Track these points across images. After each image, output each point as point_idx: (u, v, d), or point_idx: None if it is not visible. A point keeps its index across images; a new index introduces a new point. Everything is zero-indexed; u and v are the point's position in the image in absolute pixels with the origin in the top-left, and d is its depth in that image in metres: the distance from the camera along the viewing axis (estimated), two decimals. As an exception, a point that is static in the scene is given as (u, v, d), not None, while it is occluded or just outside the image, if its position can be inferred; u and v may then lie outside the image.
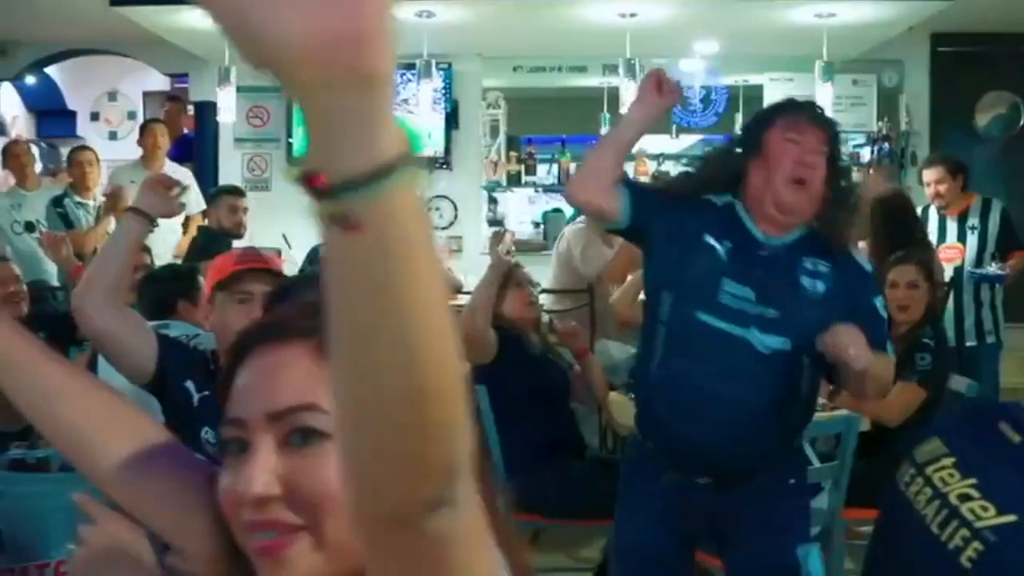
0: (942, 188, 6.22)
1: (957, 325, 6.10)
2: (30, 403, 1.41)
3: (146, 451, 1.37)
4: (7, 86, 9.83)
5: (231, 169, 8.84)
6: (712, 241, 2.79)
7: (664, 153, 9.29)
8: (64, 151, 10.60)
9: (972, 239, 6.28)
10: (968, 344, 6.15)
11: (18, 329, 1.43)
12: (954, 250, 6.27)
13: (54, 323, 4.29)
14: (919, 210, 6.29)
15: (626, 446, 3.39)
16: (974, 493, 1.78)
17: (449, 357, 0.74)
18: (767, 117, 2.91)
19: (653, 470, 2.92)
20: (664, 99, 2.92)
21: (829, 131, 2.84)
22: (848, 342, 2.58)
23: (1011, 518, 1.73)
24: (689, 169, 3.19)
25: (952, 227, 6.35)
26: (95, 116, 11.66)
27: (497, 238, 4.76)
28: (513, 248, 4.58)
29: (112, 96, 11.58)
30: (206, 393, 2.86)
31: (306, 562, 1.05)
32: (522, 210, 9.42)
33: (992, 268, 6.17)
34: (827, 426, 3.76)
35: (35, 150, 8.56)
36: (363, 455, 0.77)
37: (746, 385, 2.76)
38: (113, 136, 11.48)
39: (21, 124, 10.97)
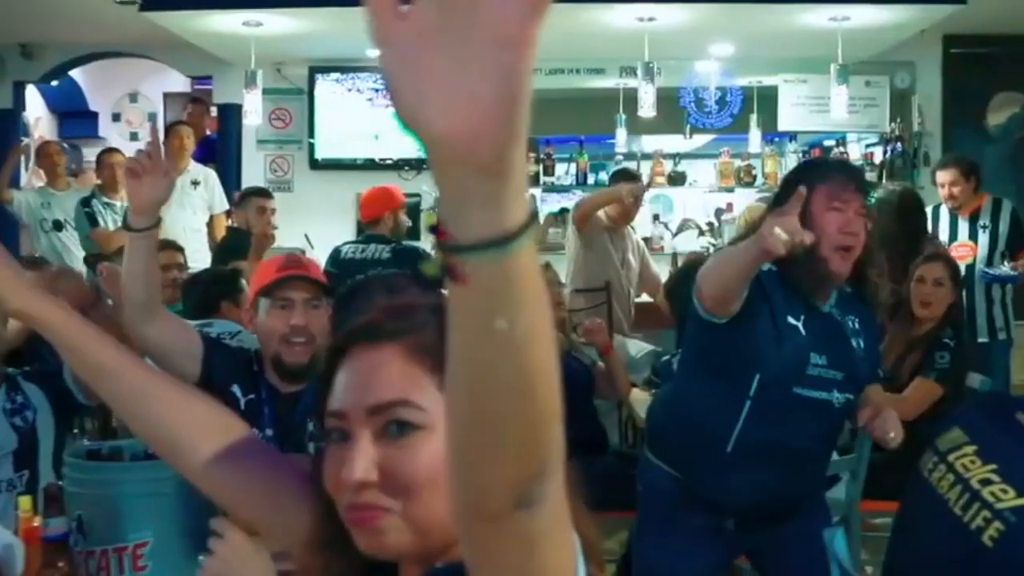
0: (956, 190, 6.31)
1: (969, 322, 6.14)
2: (123, 406, 1.56)
3: (233, 446, 1.51)
4: (31, 87, 9.96)
5: (254, 170, 8.95)
6: (792, 320, 2.87)
7: (679, 152, 9.37)
8: (86, 151, 10.80)
9: (983, 238, 6.36)
10: (980, 340, 6.22)
11: (110, 340, 1.57)
12: (965, 248, 6.34)
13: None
14: (930, 209, 6.40)
15: (651, 479, 3.38)
16: (995, 478, 1.94)
17: (551, 391, 0.85)
18: (806, 179, 2.88)
19: (703, 511, 3.01)
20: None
21: (866, 192, 2.95)
22: (891, 428, 2.90)
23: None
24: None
25: (963, 226, 6.43)
26: (116, 117, 11.79)
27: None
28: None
29: (133, 97, 11.72)
30: (251, 397, 2.99)
31: (396, 536, 1.20)
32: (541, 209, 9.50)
33: (1004, 268, 6.26)
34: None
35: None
36: (470, 462, 0.89)
37: (823, 439, 3.01)
38: (134, 137, 11.49)
39: (44, 125, 11.10)
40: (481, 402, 0.84)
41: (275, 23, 7.27)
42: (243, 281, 4.63)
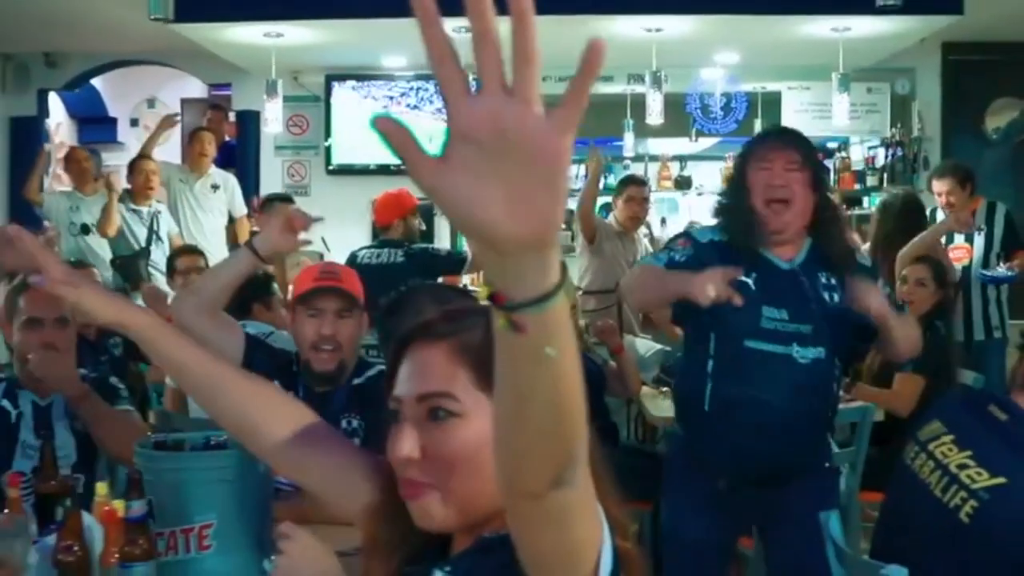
0: (952, 198, 6.42)
1: (966, 321, 6.37)
2: (203, 396, 1.79)
3: (303, 429, 1.74)
4: (52, 94, 10.16)
5: (272, 175, 9.17)
6: (742, 278, 3.01)
7: (683, 155, 9.58)
8: (105, 156, 11.01)
9: (979, 240, 6.50)
10: (977, 339, 6.41)
11: (188, 339, 1.81)
12: (962, 250, 6.49)
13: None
14: (928, 212, 6.58)
15: (669, 444, 3.65)
16: (970, 462, 2.20)
17: (581, 398, 1.09)
18: (742, 154, 3.22)
19: (702, 472, 3.22)
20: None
21: (801, 149, 3.12)
22: (872, 298, 2.98)
23: (1001, 480, 2.15)
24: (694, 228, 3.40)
25: None
26: (134, 122, 11.91)
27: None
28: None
29: (151, 103, 11.84)
30: (291, 394, 3.19)
31: (439, 511, 1.44)
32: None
33: (1001, 270, 6.44)
34: (845, 415, 4.10)
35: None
36: (516, 453, 1.13)
37: (794, 395, 3.05)
38: None
39: (64, 130, 11.30)
40: (527, 409, 1.08)
41: (295, 34, 7.50)
42: (275, 285, 4.87)
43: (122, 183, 7.93)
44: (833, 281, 3.12)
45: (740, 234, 3.12)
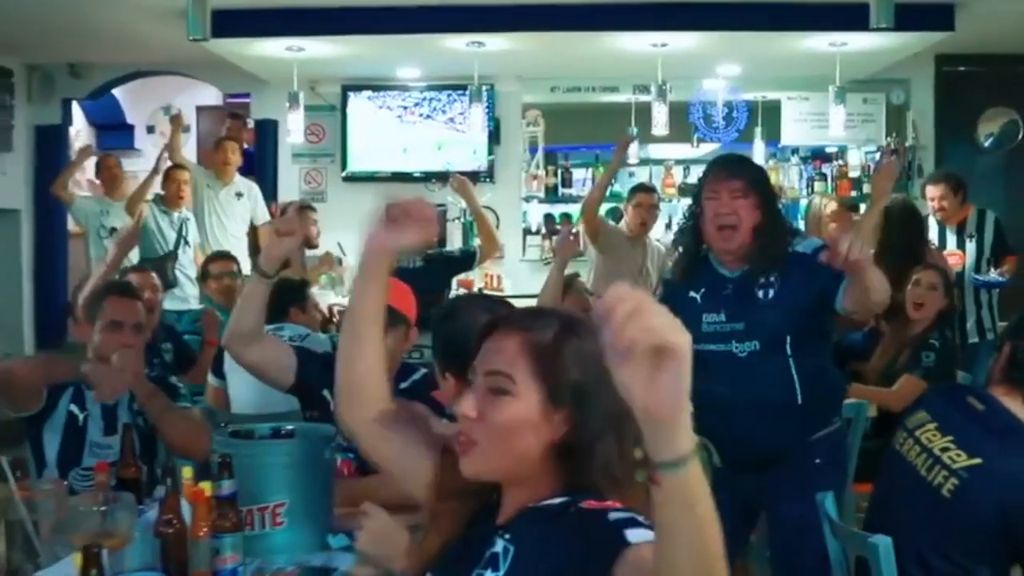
0: (944, 203, 6.80)
1: (960, 324, 6.63)
2: (353, 363, 2.10)
3: (394, 411, 2.09)
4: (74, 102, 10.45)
5: (290, 182, 9.46)
6: (692, 293, 3.51)
7: (687, 159, 9.87)
8: (123, 162, 11.32)
9: (971, 247, 6.83)
10: (971, 341, 6.72)
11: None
12: (955, 256, 6.79)
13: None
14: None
15: None
16: (951, 446, 2.58)
17: (718, 551, 1.39)
18: (698, 184, 3.61)
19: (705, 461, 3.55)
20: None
21: (745, 176, 3.48)
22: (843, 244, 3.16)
23: (978, 460, 2.53)
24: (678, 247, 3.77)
25: (951, 236, 6.92)
26: (151, 129, 12.21)
27: (564, 229, 5.49)
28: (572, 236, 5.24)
29: (167, 110, 12.03)
30: None
31: (480, 461, 1.77)
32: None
33: (993, 274, 6.74)
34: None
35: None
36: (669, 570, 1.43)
37: (738, 385, 3.39)
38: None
39: (83, 137, 11.59)
40: (673, 547, 1.39)
41: (315, 48, 7.82)
42: (310, 290, 5.20)
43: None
44: (771, 278, 3.46)
45: (694, 253, 3.56)
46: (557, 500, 1.75)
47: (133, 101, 11.82)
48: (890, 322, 5.26)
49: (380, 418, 2.07)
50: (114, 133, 11.79)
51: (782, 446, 3.46)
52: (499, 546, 1.76)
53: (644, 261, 7.05)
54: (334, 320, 6.68)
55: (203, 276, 6.08)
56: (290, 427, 2.95)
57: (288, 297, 4.81)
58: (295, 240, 3.39)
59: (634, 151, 9.21)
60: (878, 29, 6.14)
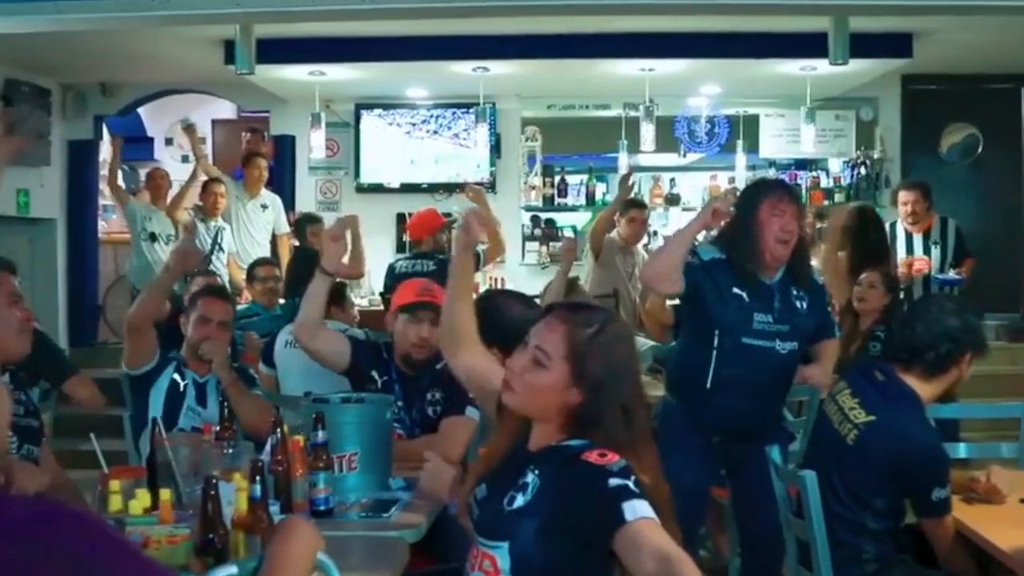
0: (917, 208, 7.41)
1: None
2: (453, 319, 2.94)
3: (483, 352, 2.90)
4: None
5: (306, 193, 10.23)
6: (738, 291, 4.12)
7: (672, 166, 10.65)
8: (142, 172, 12.01)
9: (935, 252, 7.47)
10: None
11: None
12: (922, 262, 7.44)
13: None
14: (888, 225, 7.47)
15: (664, 414, 4.69)
16: (856, 406, 3.42)
17: None
18: (757, 196, 4.21)
19: (696, 431, 4.27)
20: (717, 222, 4.21)
21: (799, 201, 4.24)
22: (819, 381, 4.17)
23: (873, 417, 3.35)
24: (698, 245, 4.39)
25: (919, 242, 7.50)
26: (169, 141, 12.98)
27: (566, 242, 6.28)
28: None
29: (183, 122, 12.83)
30: (385, 379, 4.22)
31: (512, 401, 2.52)
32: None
33: (951, 274, 7.44)
34: (797, 392, 5.18)
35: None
36: None
37: (773, 376, 4.19)
38: (184, 159, 12.48)
39: (105, 149, 12.26)
40: None
41: (335, 72, 8.60)
42: (347, 291, 5.95)
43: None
44: (801, 293, 4.23)
45: (743, 258, 4.17)
46: (575, 442, 2.41)
47: (153, 115, 12.48)
48: (844, 317, 6.02)
49: (471, 355, 2.91)
50: (135, 145, 12.29)
51: (770, 422, 4.27)
52: (529, 477, 2.43)
53: (634, 268, 7.85)
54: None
55: (249, 278, 6.80)
56: (360, 396, 3.74)
57: (329, 298, 5.53)
58: (343, 243, 4.19)
59: (624, 162, 9.95)
60: (835, 64, 6.90)
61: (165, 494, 2.68)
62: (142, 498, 2.76)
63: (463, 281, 3.03)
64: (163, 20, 5.69)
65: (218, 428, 3.55)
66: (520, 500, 2.41)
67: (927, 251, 7.49)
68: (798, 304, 4.19)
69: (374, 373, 4.25)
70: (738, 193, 4.56)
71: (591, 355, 2.44)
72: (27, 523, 1.55)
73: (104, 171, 10.80)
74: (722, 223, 4.20)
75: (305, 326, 4.16)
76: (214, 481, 2.49)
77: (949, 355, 3.38)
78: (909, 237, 7.56)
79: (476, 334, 2.96)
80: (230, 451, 3.10)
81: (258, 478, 2.56)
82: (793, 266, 4.20)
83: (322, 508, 3.15)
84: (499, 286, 9.60)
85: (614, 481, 2.24)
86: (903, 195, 7.54)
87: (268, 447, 3.15)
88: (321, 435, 3.18)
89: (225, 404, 3.75)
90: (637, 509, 2.17)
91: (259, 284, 6.57)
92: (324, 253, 4.19)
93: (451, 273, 3.06)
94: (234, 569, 1.91)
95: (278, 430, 3.12)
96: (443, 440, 3.89)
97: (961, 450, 4.45)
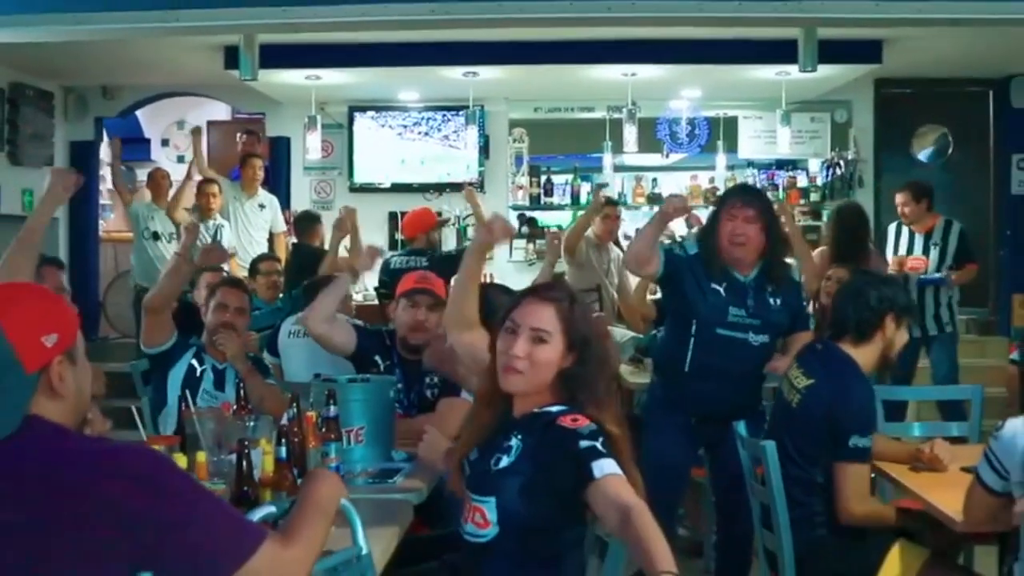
0: (907, 209, 7.61)
1: (921, 318, 7.48)
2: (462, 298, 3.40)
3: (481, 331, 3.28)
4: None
5: (301, 193, 10.58)
6: (715, 286, 4.55)
7: (655, 165, 11.01)
8: (139, 172, 12.32)
9: (934, 253, 7.58)
10: (931, 333, 7.59)
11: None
12: (919, 261, 7.61)
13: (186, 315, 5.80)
14: (894, 225, 7.81)
15: (650, 395, 5.11)
16: (799, 374, 3.92)
17: None
18: (719, 205, 4.69)
19: (677, 411, 4.68)
20: (675, 215, 4.72)
21: (758, 205, 4.58)
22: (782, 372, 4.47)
23: (812, 381, 3.83)
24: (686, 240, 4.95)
25: (919, 242, 7.65)
26: (165, 142, 13.30)
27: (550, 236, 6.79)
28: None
29: (180, 125, 13.17)
30: (388, 363, 4.60)
31: (520, 383, 2.86)
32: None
33: (935, 274, 7.56)
34: (772, 379, 5.55)
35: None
36: None
37: (745, 365, 4.59)
38: (180, 159, 12.95)
39: (103, 149, 12.53)
40: None
41: (329, 76, 8.96)
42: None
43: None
44: (774, 290, 4.61)
45: (708, 256, 4.60)
46: (554, 408, 2.79)
47: (150, 116, 12.75)
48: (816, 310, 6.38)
49: (472, 334, 3.35)
50: (133, 146, 12.51)
51: (745, 405, 4.61)
52: (513, 441, 2.82)
53: (610, 265, 8.23)
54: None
55: (252, 272, 7.12)
56: (366, 376, 4.11)
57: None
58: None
59: (608, 163, 10.35)
60: (805, 71, 7.29)
61: (201, 456, 3.04)
62: (180, 460, 3.12)
63: (476, 274, 3.55)
64: (176, 31, 6.05)
65: (235, 407, 3.91)
66: (505, 461, 2.79)
67: (926, 251, 7.66)
68: (771, 300, 4.58)
69: (377, 358, 4.63)
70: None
71: (577, 322, 2.86)
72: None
73: (103, 171, 11.25)
74: (687, 217, 4.82)
75: (318, 316, 4.53)
76: (246, 444, 2.85)
77: (869, 321, 3.81)
78: (911, 237, 7.74)
79: (477, 317, 3.35)
80: (252, 423, 3.44)
81: (283, 441, 2.92)
82: (767, 265, 4.59)
83: (334, 475, 3.52)
84: (487, 281, 9.98)
85: (584, 443, 2.62)
86: (897, 196, 7.77)
87: (285, 420, 3.50)
88: (332, 410, 3.54)
89: (241, 386, 4.11)
90: (604, 467, 2.54)
91: (262, 278, 6.89)
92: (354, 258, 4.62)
93: (465, 266, 3.53)
94: (272, 508, 2.27)
95: (294, 405, 3.47)
96: (440, 418, 4.22)
97: (916, 429, 4.84)
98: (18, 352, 1.91)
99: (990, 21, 6.16)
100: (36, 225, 4.09)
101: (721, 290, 4.55)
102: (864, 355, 3.83)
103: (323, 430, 3.52)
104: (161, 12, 5.68)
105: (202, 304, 5.22)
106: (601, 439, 2.63)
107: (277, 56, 8.17)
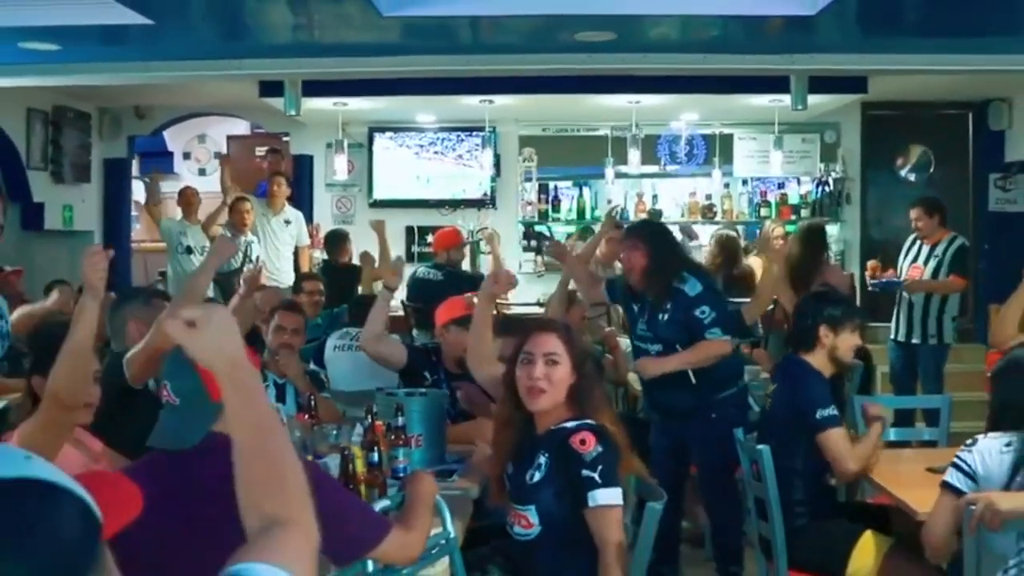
0: (920, 223, 8.05)
1: (908, 327, 8.09)
2: (479, 341, 4.08)
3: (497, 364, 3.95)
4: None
5: (323, 209, 11.19)
6: (633, 304, 5.62)
7: (653, 173, 11.38)
8: (163, 185, 12.86)
9: (931, 263, 8.01)
10: (914, 342, 8.05)
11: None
12: (916, 270, 8.08)
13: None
14: (911, 239, 8.18)
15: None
16: (771, 384, 4.69)
17: None
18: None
19: (650, 412, 5.66)
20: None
21: (639, 237, 5.51)
22: (643, 366, 5.47)
23: (776, 385, 4.69)
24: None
25: (924, 252, 8.08)
26: (187, 155, 13.88)
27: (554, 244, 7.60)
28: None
29: (201, 139, 13.81)
30: (435, 377, 5.26)
31: (545, 401, 3.54)
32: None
33: (885, 278, 8.16)
34: (758, 388, 6.24)
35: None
36: None
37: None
38: (202, 172, 13.73)
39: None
40: None
41: (354, 102, 9.62)
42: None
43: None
44: (667, 305, 5.38)
45: (624, 287, 5.66)
46: (569, 424, 3.43)
47: (173, 131, 13.09)
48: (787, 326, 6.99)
49: (489, 366, 3.97)
50: (156, 159, 13.18)
51: (688, 406, 5.42)
52: (541, 459, 3.47)
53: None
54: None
55: (296, 290, 7.74)
56: (423, 391, 4.79)
57: (363, 311, 6.51)
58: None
59: (610, 178, 10.84)
60: (796, 110, 7.98)
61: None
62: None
63: (487, 318, 4.22)
64: (239, 77, 6.67)
65: (307, 417, 4.59)
66: (537, 476, 3.48)
67: (925, 261, 8.07)
68: (659, 316, 5.44)
69: (426, 373, 5.30)
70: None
71: (576, 342, 3.60)
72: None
73: (138, 197, 11.86)
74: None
75: (371, 336, 5.20)
76: (349, 452, 3.54)
77: (808, 333, 4.55)
78: (919, 248, 8.18)
79: (492, 353, 4.07)
80: (334, 431, 4.13)
81: (375, 448, 3.60)
82: (650, 288, 5.46)
83: (401, 475, 4.18)
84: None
85: (585, 472, 3.32)
86: (911, 211, 8.21)
87: (360, 429, 4.18)
88: (401, 420, 4.22)
89: (312, 400, 4.77)
90: (598, 498, 3.29)
91: (306, 296, 7.48)
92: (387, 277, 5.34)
93: (478, 311, 4.24)
94: (388, 502, 2.95)
95: (369, 416, 4.15)
96: (479, 425, 4.90)
97: (891, 434, 5.51)
98: (206, 384, 2.57)
99: (963, 72, 6.81)
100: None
101: (636, 308, 5.60)
102: (816, 360, 4.54)
103: (391, 437, 4.20)
104: (228, 61, 6.29)
105: (263, 324, 5.88)
106: (600, 468, 3.31)
107: (308, 86, 8.78)
